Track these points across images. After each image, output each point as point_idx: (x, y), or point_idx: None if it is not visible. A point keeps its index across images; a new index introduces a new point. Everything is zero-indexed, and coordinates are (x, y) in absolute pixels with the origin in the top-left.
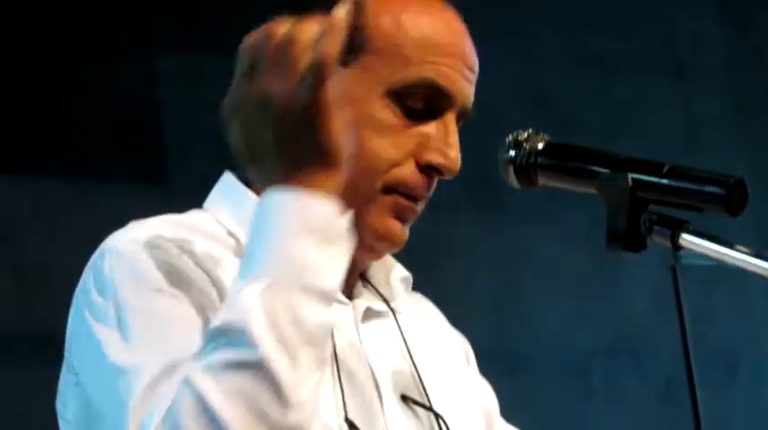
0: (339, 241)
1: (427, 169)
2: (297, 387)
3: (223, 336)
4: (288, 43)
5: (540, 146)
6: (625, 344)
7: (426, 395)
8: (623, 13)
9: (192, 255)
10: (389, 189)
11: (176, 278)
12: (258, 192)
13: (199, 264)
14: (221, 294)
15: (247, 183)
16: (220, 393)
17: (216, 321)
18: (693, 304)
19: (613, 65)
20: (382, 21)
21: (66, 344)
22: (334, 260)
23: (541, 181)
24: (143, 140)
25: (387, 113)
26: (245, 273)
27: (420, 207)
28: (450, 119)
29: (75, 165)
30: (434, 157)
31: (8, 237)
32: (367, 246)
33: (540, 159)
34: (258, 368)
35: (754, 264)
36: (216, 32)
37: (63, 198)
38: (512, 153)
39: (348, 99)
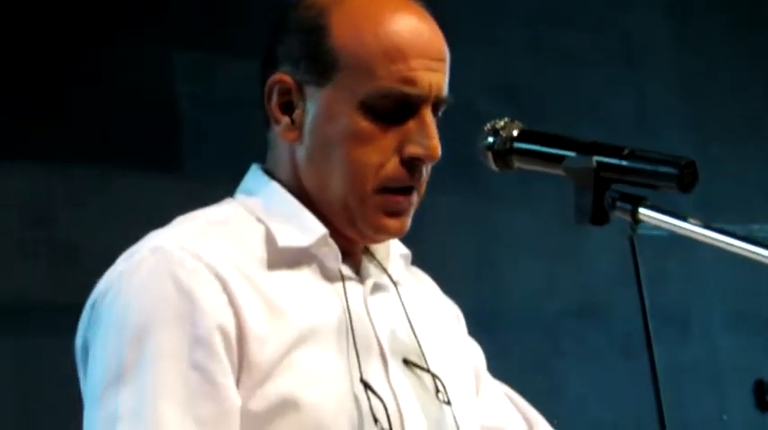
0: None
1: (409, 161)
2: None
3: None
4: None
5: (515, 133)
6: (590, 305)
7: (425, 358)
8: (582, 8)
9: (218, 276)
10: (380, 189)
11: (190, 311)
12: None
13: (225, 288)
14: (239, 322)
15: (271, 174)
16: None
17: None
18: (650, 270)
19: (574, 56)
20: (347, 39)
21: (84, 364)
22: None
23: (516, 164)
24: (162, 131)
25: (364, 123)
26: None
27: (414, 197)
28: (425, 112)
29: (102, 152)
30: (413, 150)
31: (44, 220)
32: (370, 237)
33: (515, 145)
34: None
35: (704, 234)
36: (229, 32)
37: (91, 184)
38: (490, 139)
39: (329, 117)
